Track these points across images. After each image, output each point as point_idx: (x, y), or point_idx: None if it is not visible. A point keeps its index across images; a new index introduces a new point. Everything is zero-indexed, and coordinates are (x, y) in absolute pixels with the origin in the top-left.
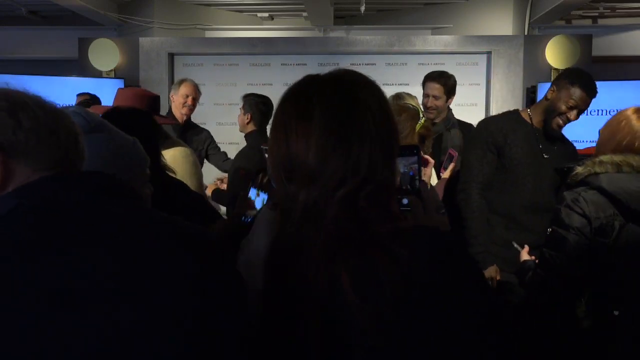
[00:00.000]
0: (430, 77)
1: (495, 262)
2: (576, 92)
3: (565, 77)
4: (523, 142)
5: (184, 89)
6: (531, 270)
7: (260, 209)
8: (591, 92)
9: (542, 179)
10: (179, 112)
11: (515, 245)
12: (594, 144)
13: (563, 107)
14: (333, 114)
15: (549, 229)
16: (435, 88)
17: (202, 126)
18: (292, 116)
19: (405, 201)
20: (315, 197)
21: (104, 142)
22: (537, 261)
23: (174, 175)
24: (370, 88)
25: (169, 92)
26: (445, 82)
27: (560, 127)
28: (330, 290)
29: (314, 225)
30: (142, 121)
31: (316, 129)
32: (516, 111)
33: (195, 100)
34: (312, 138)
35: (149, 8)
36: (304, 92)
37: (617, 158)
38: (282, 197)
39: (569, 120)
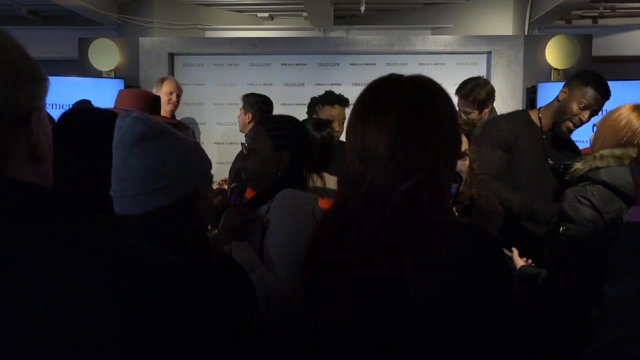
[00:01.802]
0: (460, 94)
1: None
2: (589, 92)
3: (577, 78)
4: (531, 145)
5: (167, 87)
6: (539, 275)
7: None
8: (604, 93)
9: (545, 185)
10: (164, 110)
11: (505, 251)
12: None
13: (575, 108)
14: (408, 116)
15: (561, 228)
16: (464, 104)
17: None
18: (371, 110)
19: None
20: (382, 180)
21: (164, 148)
22: (532, 263)
23: None
24: (446, 100)
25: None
26: (473, 99)
27: (571, 130)
28: (392, 267)
29: (377, 207)
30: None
31: (391, 125)
32: (525, 111)
33: (178, 97)
34: (385, 131)
35: (149, 8)
36: (385, 91)
37: (617, 151)
38: (351, 175)
39: (581, 123)
